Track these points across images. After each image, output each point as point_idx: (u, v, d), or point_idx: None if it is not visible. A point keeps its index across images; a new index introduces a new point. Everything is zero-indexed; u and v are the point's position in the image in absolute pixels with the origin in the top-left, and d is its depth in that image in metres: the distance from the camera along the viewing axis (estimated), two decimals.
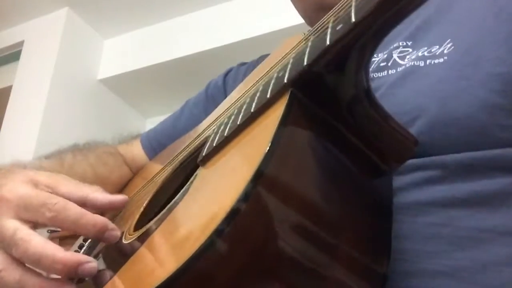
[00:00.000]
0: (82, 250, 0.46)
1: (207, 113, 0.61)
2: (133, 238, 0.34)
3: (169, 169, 0.47)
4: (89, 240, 0.46)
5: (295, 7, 0.55)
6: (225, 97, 0.62)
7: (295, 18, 1.61)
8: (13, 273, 0.30)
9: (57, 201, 0.31)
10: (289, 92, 0.25)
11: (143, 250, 0.28)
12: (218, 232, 0.19)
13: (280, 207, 0.21)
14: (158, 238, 0.28)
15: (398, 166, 0.26)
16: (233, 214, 0.19)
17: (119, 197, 0.36)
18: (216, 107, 0.61)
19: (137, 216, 0.41)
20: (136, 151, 0.66)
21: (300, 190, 0.22)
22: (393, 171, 0.26)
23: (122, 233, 0.38)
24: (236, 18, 1.78)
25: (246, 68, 0.66)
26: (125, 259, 0.29)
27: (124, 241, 0.36)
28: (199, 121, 0.55)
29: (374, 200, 0.27)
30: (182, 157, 0.47)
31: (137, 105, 2.21)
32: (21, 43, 1.91)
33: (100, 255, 0.39)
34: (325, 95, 0.24)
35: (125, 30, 2.04)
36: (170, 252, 0.23)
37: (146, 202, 0.44)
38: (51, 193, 0.33)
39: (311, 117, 0.24)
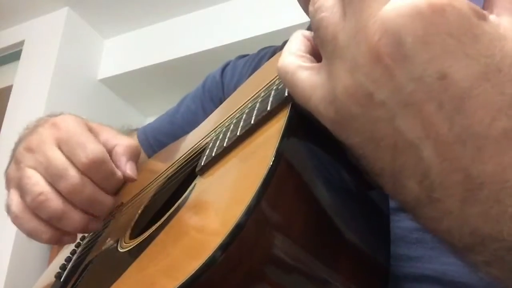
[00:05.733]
0: (74, 257, 0.46)
1: (204, 108, 0.60)
2: (131, 246, 0.34)
3: (164, 176, 0.47)
4: (80, 248, 0.46)
5: (302, 8, 0.55)
6: (223, 91, 0.62)
7: (295, 18, 1.62)
8: (57, 201, 0.35)
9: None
10: (290, 105, 0.25)
11: (144, 258, 0.28)
12: (223, 246, 0.19)
13: (285, 219, 0.21)
14: (159, 246, 0.28)
15: None
16: (238, 229, 0.19)
17: (131, 175, 0.40)
18: (213, 102, 0.60)
19: (132, 225, 0.41)
20: None
21: (305, 202, 0.22)
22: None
23: (117, 241, 0.38)
24: (236, 18, 1.78)
25: (245, 61, 0.63)
26: (124, 266, 0.29)
27: (121, 250, 0.36)
28: (197, 116, 0.54)
29: (374, 210, 0.27)
30: (177, 164, 0.47)
31: (137, 105, 2.21)
32: (21, 43, 1.91)
33: (90, 265, 0.39)
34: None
35: (125, 30, 2.04)
36: (176, 260, 0.23)
37: (140, 210, 0.44)
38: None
39: (311, 130, 0.24)
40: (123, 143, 0.42)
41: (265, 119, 0.27)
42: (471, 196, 0.17)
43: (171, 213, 0.31)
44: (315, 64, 0.22)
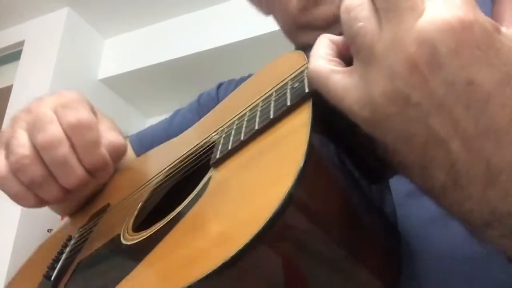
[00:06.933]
0: (65, 252, 0.46)
1: (201, 118, 0.61)
2: (142, 238, 0.33)
3: (162, 174, 0.47)
4: (69, 248, 0.46)
5: (277, 23, 0.58)
6: None
7: None
8: (39, 167, 0.34)
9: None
10: (311, 100, 0.27)
11: (164, 246, 0.28)
12: (261, 234, 0.20)
13: (319, 211, 0.23)
14: (181, 235, 0.28)
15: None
16: (277, 215, 0.20)
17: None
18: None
19: (132, 219, 0.40)
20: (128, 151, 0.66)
21: (334, 187, 0.24)
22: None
23: (118, 235, 0.38)
24: (236, 18, 1.78)
25: (237, 82, 0.66)
26: (137, 258, 0.29)
27: (125, 242, 0.36)
28: (193, 124, 0.54)
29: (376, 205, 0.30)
30: (177, 162, 0.46)
31: (137, 105, 2.21)
32: (21, 43, 1.91)
33: (83, 263, 0.39)
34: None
35: (126, 30, 2.05)
36: (208, 247, 0.23)
37: (139, 206, 0.43)
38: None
39: (329, 124, 0.26)
40: (107, 137, 0.40)
41: (285, 113, 0.29)
42: (491, 182, 0.21)
43: (188, 203, 0.31)
44: (346, 68, 0.24)
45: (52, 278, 0.41)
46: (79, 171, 0.35)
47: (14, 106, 1.74)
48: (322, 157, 0.24)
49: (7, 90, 1.82)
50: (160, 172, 0.48)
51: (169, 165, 0.47)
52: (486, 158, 0.21)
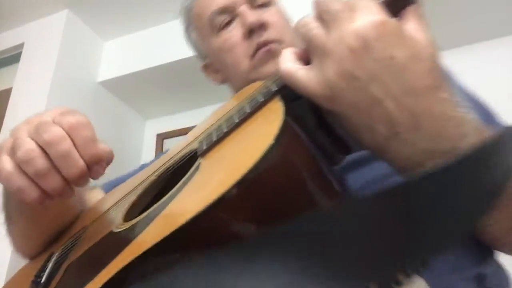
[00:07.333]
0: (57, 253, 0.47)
1: None
2: (135, 222, 0.36)
3: (147, 181, 0.49)
4: (54, 258, 0.46)
5: (230, 87, 0.72)
6: None
7: (294, 19, 1.62)
8: (45, 160, 0.38)
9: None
10: (279, 96, 0.35)
11: (159, 218, 0.31)
12: (247, 176, 0.24)
13: (292, 162, 0.28)
14: (175, 206, 0.31)
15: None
16: (259, 165, 0.25)
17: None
18: None
19: (122, 217, 0.42)
20: (97, 194, 0.70)
21: (302, 146, 0.30)
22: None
23: (109, 232, 0.40)
24: None
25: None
26: (130, 238, 0.31)
27: (117, 230, 0.38)
28: None
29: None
30: (162, 170, 0.49)
31: (137, 107, 2.21)
32: (21, 45, 1.92)
33: (74, 263, 0.40)
34: (300, 100, 0.34)
35: (125, 32, 2.05)
36: (199, 194, 0.28)
37: (126, 207, 0.45)
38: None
39: (298, 112, 0.33)
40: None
41: (259, 107, 0.36)
42: (417, 125, 0.30)
43: (180, 185, 0.35)
44: (307, 66, 0.34)
45: (41, 282, 0.41)
46: (80, 163, 0.39)
47: (13, 109, 1.74)
48: (294, 128, 0.31)
49: (7, 92, 1.82)
50: (141, 183, 0.50)
51: (153, 173, 0.50)
52: (410, 109, 0.30)
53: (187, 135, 0.57)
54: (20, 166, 0.39)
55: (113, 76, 1.97)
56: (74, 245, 0.46)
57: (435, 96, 0.31)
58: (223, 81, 0.73)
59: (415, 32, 0.32)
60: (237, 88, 0.67)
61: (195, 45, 0.75)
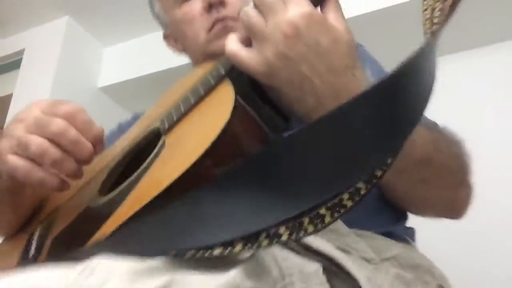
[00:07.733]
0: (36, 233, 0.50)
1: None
2: (112, 196, 0.42)
3: (113, 162, 0.53)
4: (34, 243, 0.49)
5: (188, 56, 0.82)
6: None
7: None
8: (56, 148, 0.42)
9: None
10: (228, 78, 0.42)
11: (141, 184, 0.39)
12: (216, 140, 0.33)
13: (242, 130, 0.37)
14: (150, 179, 0.38)
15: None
16: (220, 137, 0.34)
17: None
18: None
19: (97, 190, 0.47)
20: None
21: (249, 121, 0.39)
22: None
23: (87, 207, 0.45)
24: None
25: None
26: (109, 211, 0.36)
27: (95, 205, 0.44)
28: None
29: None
30: (127, 149, 0.53)
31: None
32: (21, 52, 1.92)
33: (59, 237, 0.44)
34: (244, 78, 0.41)
35: (125, 38, 2.05)
36: (177, 160, 0.36)
37: (100, 183, 0.49)
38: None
39: (244, 91, 0.40)
40: None
41: (211, 88, 0.43)
42: (338, 95, 0.38)
43: (151, 159, 0.41)
44: (249, 47, 0.40)
45: (32, 255, 0.44)
46: (89, 145, 0.43)
47: (14, 115, 1.74)
48: (244, 105, 0.39)
49: (7, 98, 1.83)
50: (107, 165, 0.54)
51: (118, 155, 0.54)
52: (332, 85, 0.38)
53: (156, 102, 0.63)
54: (35, 159, 0.42)
55: (114, 82, 1.97)
56: (55, 219, 0.49)
57: (351, 73, 0.39)
58: (182, 50, 0.83)
59: (335, 21, 0.39)
60: (195, 58, 0.78)
61: (157, 16, 0.83)
